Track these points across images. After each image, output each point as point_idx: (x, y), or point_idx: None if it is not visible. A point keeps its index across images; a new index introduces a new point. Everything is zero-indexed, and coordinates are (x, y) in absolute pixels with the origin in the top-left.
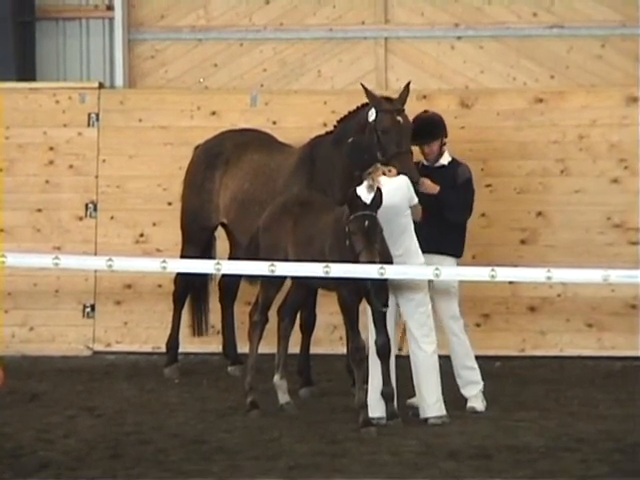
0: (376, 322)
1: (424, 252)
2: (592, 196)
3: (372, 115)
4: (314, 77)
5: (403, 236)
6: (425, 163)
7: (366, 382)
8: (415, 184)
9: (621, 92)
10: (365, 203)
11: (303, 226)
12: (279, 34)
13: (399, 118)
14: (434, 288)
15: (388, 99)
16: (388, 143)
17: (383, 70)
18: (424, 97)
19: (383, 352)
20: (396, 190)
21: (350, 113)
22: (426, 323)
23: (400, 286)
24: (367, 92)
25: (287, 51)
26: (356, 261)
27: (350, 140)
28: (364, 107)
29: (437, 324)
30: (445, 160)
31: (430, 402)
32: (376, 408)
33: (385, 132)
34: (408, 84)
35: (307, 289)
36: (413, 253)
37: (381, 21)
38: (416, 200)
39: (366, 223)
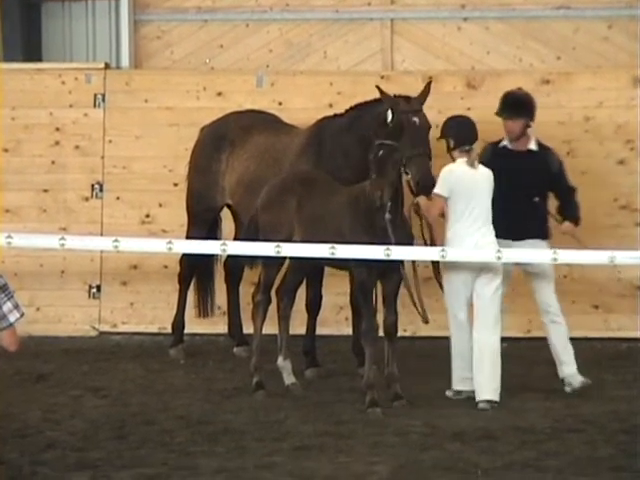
0: (386, 301)
1: (517, 239)
2: (598, 177)
3: (389, 116)
4: (320, 58)
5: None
6: (509, 146)
7: (374, 363)
8: (429, 190)
9: (628, 73)
10: None
11: (310, 205)
12: (285, 15)
13: (415, 119)
14: (533, 272)
15: (406, 98)
16: (405, 145)
17: (389, 51)
18: (430, 78)
19: (391, 332)
20: None
21: (366, 103)
22: (499, 307)
23: (480, 269)
24: (382, 93)
25: (293, 32)
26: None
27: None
28: (380, 102)
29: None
30: (533, 145)
31: (493, 386)
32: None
33: (402, 133)
34: (429, 84)
35: (306, 269)
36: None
37: (387, 2)
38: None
39: None
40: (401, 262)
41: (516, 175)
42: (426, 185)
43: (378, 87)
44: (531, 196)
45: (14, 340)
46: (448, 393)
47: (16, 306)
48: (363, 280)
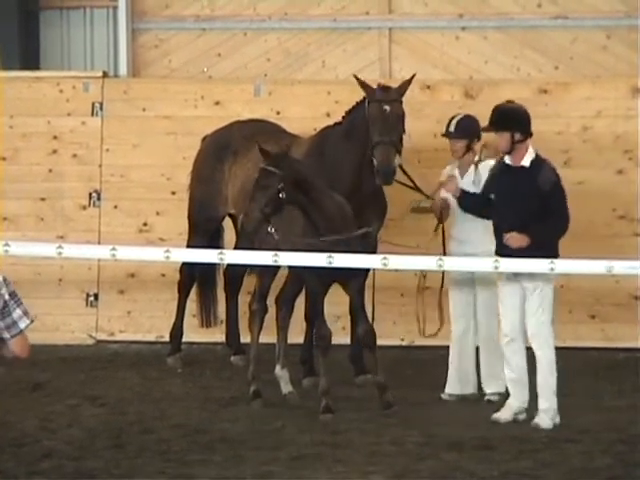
0: (356, 310)
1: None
2: (597, 187)
3: (366, 105)
4: (318, 67)
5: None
6: (507, 161)
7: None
8: (388, 178)
9: (626, 83)
10: None
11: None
12: (283, 24)
13: (386, 107)
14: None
15: (385, 88)
16: (373, 133)
17: (387, 60)
18: (428, 87)
19: (366, 341)
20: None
21: (357, 104)
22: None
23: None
24: (360, 82)
25: (291, 41)
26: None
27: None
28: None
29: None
30: (526, 161)
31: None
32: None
33: (372, 122)
34: (413, 76)
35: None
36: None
37: (385, 11)
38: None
39: None
40: (359, 270)
41: (507, 193)
42: (386, 172)
43: (356, 76)
44: (521, 216)
45: (25, 346)
46: (443, 396)
47: (25, 312)
48: (311, 288)
